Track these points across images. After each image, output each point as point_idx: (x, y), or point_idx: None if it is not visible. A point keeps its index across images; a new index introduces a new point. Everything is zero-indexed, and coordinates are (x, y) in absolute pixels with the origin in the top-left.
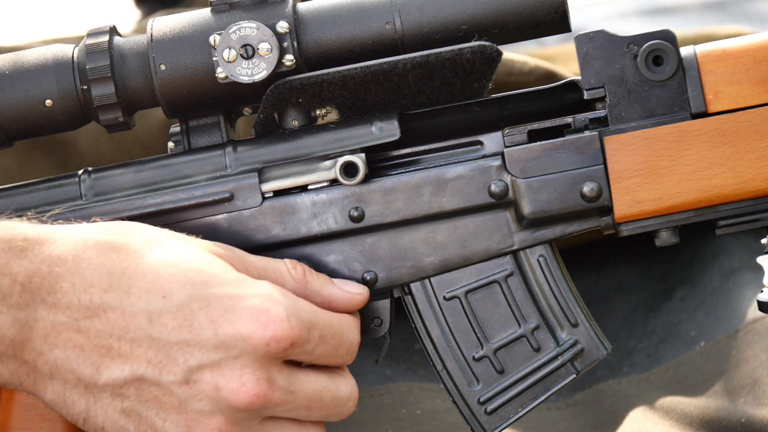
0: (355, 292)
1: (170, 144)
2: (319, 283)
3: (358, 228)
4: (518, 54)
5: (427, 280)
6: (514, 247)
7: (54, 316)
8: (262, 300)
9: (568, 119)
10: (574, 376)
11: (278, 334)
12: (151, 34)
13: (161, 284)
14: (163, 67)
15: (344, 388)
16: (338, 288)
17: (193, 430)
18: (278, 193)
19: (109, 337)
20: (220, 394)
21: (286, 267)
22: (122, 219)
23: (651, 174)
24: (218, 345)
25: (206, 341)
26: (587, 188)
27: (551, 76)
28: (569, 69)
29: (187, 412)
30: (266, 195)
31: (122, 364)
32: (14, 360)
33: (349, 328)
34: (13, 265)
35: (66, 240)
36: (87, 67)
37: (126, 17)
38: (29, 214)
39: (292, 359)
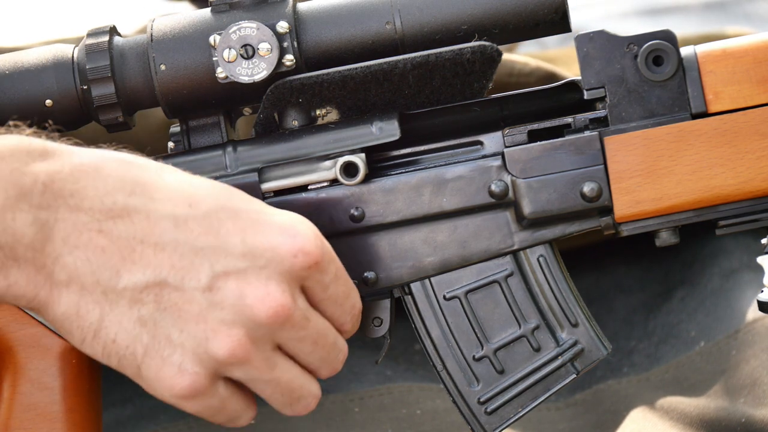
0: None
1: (170, 144)
2: None
3: (358, 228)
4: (519, 55)
5: (427, 280)
6: (514, 247)
7: (76, 216)
8: (289, 218)
9: (568, 119)
10: (574, 376)
11: (306, 248)
12: (151, 34)
13: (187, 194)
14: (163, 67)
15: (340, 341)
16: None
17: (211, 342)
18: (278, 193)
19: (132, 239)
20: (245, 302)
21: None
22: None
23: (651, 174)
24: (246, 253)
25: (233, 248)
26: (587, 188)
27: (552, 77)
28: (571, 71)
29: (207, 321)
30: (266, 195)
31: (144, 267)
32: (32, 265)
33: (355, 291)
34: (34, 165)
35: (86, 153)
36: (87, 67)
37: (127, 17)
38: (45, 133)
39: (309, 287)
